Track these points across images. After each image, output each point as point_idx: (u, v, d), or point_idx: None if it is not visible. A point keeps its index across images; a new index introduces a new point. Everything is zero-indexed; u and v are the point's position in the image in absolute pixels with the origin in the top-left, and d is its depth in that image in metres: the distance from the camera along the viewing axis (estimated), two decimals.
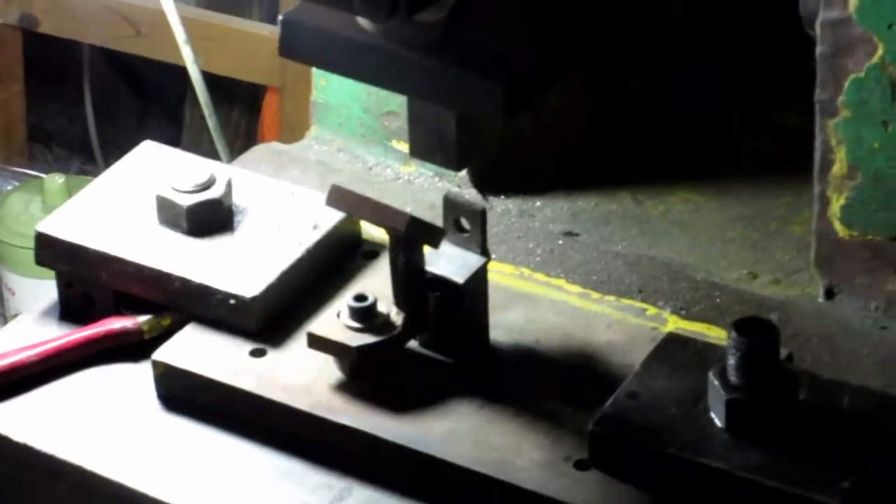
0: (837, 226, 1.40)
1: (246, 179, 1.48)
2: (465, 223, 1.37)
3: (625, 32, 1.38)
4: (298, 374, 1.41)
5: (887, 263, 1.37)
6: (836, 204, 1.40)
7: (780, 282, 1.47)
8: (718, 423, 1.28)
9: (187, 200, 1.43)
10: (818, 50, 1.37)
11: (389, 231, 1.36)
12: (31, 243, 1.46)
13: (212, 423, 1.38)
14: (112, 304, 1.41)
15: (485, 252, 1.37)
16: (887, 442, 1.29)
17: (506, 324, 1.41)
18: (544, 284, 1.49)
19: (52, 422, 1.36)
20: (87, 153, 2.23)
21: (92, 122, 2.16)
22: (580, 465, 1.31)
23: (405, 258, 1.37)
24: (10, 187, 2.17)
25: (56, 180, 2.06)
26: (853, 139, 1.38)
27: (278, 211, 1.48)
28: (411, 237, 1.35)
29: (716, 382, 1.28)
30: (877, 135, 1.36)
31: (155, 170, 1.47)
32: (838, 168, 1.38)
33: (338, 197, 1.39)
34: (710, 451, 1.27)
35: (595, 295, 1.47)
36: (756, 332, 1.25)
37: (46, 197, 2.00)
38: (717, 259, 1.52)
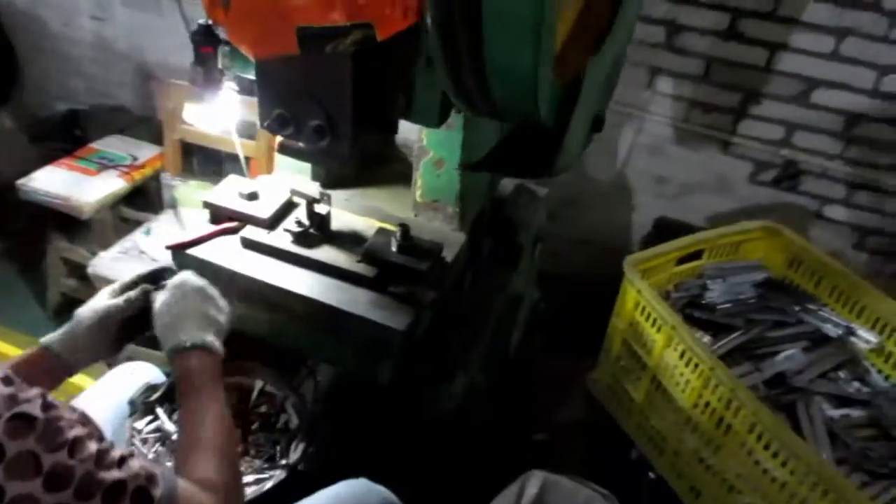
0: (419, 197, 1.39)
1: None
2: (322, 197, 1.30)
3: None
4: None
5: (430, 208, 1.38)
6: (418, 192, 1.39)
7: (411, 214, 1.40)
8: (394, 249, 1.25)
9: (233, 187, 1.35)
10: (414, 156, 1.32)
11: (308, 199, 1.31)
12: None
13: (252, 251, 1.29)
14: (227, 220, 1.32)
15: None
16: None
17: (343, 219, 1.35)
18: (357, 218, 1.44)
19: (211, 252, 1.28)
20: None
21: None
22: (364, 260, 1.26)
23: (309, 207, 1.30)
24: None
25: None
26: (423, 178, 1.36)
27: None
28: (310, 199, 1.30)
29: (394, 240, 1.25)
30: (430, 175, 1.35)
31: (234, 184, 1.35)
32: (419, 184, 1.37)
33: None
34: (388, 255, 1.24)
35: (372, 220, 1.37)
36: (403, 226, 1.25)
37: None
38: (397, 209, 1.42)
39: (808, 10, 1.96)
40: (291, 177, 1.52)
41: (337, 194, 1.53)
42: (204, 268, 1.29)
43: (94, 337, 1.01)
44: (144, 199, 2.34)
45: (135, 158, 2.29)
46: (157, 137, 2.43)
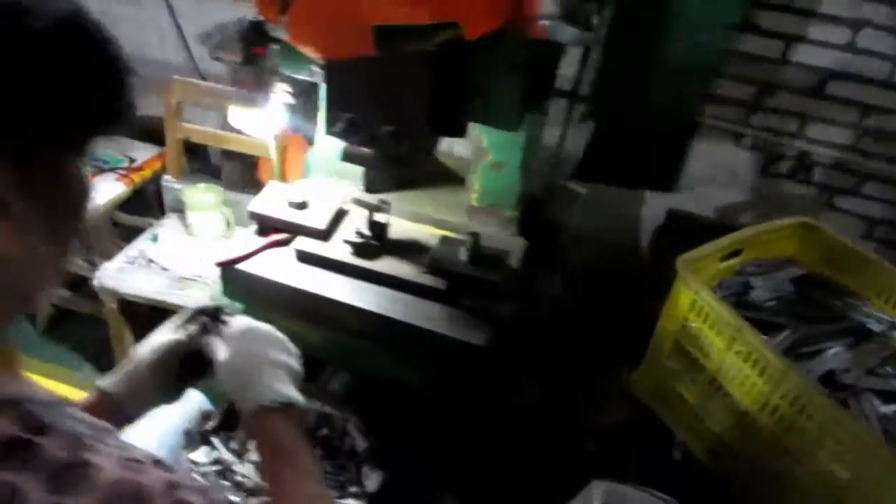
0: (474, 201, 1.36)
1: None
2: (382, 205, 1.24)
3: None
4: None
5: (486, 213, 1.34)
6: (474, 196, 1.36)
7: (464, 219, 1.37)
8: (463, 259, 1.20)
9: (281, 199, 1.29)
10: (471, 156, 1.35)
11: (369, 207, 1.26)
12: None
13: (308, 264, 1.23)
14: (274, 231, 1.25)
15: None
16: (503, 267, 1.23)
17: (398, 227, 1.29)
18: (413, 225, 1.36)
19: (263, 267, 1.21)
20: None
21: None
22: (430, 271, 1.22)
23: (370, 216, 1.25)
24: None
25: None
26: (479, 182, 1.33)
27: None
28: (372, 207, 1.25)
29: (463, 250, 1.21)
30: (488, 179, 1.33)
31: (277, 192, 1.29)
32: (475, 188, 1.33)
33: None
34: (458, 266, 1.19)
35: (427, 227, 1.36)
36: (473, 235, 1.20)
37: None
38: (448, 214, 1.39)
39: (825, 1, 1.98)
40: (325, 181, 1.46)
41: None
42: (256, 284, 1.23)
43: (154, 377, 0.88)
44: (141, 203, 2.21)
45: (132, 160, 2.14)
46: (140, 136, 2.26)
